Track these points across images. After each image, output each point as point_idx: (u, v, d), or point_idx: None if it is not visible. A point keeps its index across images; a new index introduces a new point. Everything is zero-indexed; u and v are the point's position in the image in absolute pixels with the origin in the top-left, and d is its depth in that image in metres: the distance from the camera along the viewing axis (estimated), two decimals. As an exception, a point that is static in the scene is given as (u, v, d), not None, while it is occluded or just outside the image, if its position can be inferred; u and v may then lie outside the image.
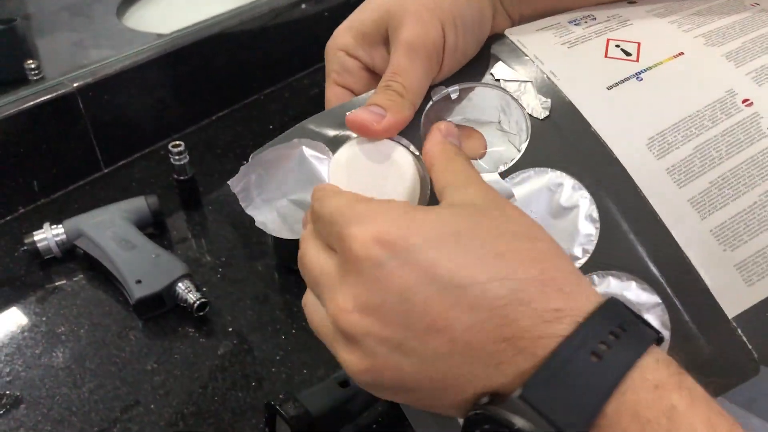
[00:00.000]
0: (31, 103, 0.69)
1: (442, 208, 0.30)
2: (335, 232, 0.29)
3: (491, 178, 0.36)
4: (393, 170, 0.36)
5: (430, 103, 0.39)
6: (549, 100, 0.37)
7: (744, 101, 0.35)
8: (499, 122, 0.39)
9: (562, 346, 0.25)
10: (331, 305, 0.28)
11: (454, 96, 0.39)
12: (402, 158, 0.36)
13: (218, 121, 0.85)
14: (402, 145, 0.37)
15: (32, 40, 0.89)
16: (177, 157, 0.68)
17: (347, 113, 0.36)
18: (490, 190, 0.32)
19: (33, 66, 0.78)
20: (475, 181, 0.32)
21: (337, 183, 0.36)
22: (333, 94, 0.40)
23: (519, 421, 0.24)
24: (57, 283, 0.63)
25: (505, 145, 0.38)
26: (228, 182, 0.38)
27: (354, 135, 0.37)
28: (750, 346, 0.34)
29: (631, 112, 0.36)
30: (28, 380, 0.54)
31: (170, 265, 0.60)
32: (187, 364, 0.55)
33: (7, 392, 0.53)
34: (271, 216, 0.39)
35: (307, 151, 0.38)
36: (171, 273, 0.59)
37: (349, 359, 0.28)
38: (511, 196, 0.36)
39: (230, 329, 0.58)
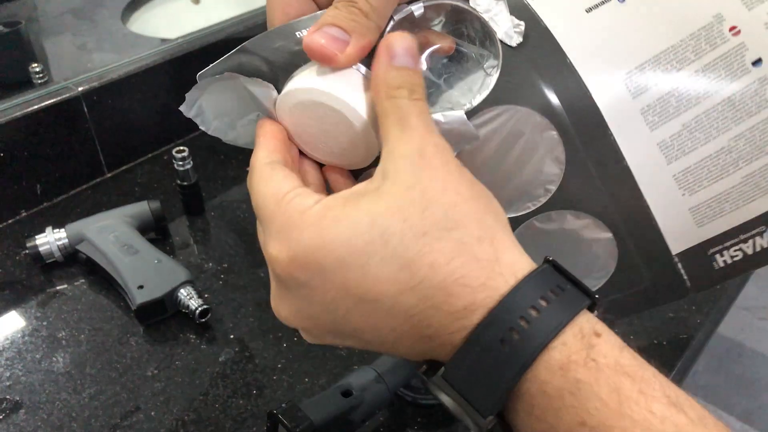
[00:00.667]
0: (36, 106, 0.69)
1: (356, 210, 0.28)
2: (261, 241, 0.31)
3: (457, 117, 0.34)
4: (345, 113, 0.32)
5: (392, 23, 0.34)
6: (523, 23, 0.34)
7: (731, 29, 0.33)
8: (469, 46, 0.36)
9: (473, 334, 0.28)
10: (276, 310, 0.32)
11: (418, 14, 0.35)
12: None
13: (222, 127, 0.85)
14: (361, 74, 0.33)
15: (37, 43, 0.89)
16: (181, 163, 0.68)
17: (299, 33, 0.32)
18: (416, 160, 0.29)
19: (38, 69, 0.78)
20: (404, 143, 0.29)
21: (283, 123, 0.34)
22: None
23: (444, 398, 0.28)
24: (58, 288, 0.63)
25: (476, 72, 0.36)
26: (180, 108, 0.36)
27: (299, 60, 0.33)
28: (685, 278, 0.37)
29: (611, 41, 0.34)
30: (28, 385, 0.54)
31: (172, 270, 0.60)
32: (188, 370, 0.55)
33: (7, 397, 0.53)
34: (234, 133, 0.37)
35: (248, 85, 0.34)
36: (173, 279, 0.59)
37: (304, 336, 0.33)
38: (476, 138, 0.34)
39: (232, 336, 0.58)
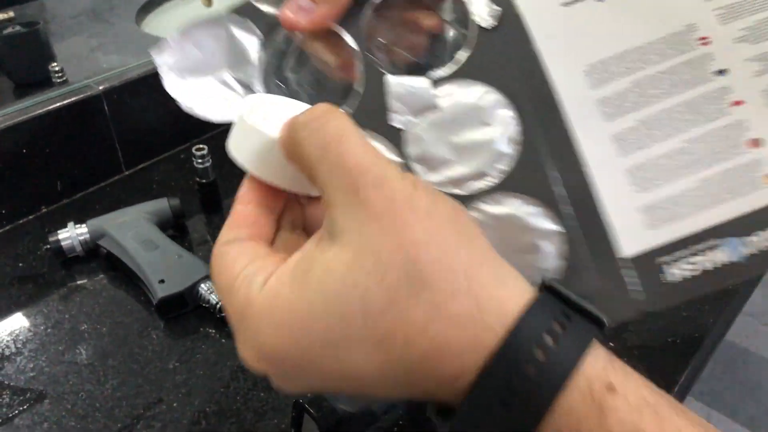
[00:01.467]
0: (58, 104, 0.70)
1: (307, 290, 0.26)
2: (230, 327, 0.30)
3: (421, 84, 0.35)
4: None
5: None
6: (500, 9, 0.35)
7: (701, 39, 0.34)
8: (451, 25, 0.37)
9: (470, 397, 0.25)
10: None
11: None
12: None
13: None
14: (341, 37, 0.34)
15: (53, 43, 0.91)
16: (200, 161, 0.69)
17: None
18: (358, 211, 0.26)
19: (57, 69, 0.79)
20: (338, 189, 0.26)
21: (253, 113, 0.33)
22: None
23: None
24: (79, 282, 0.64)
25: (450, 51, 0.37)
26: (149, 50, 0.35)
27: None
28: (641, 288, 0.34)
29: (581, 35, 0.35)
30: (51, 376, 0.55)
31: (193, 265, 0.61)
32: (209, 363, 0.56)
33: (32, 387, 0.54)
34: (197, 99, 0.37)
35: (235, 30, 0.36)
36: (194, 274, 0.60)
37: None
38: (434, 106, 0.35)
39: (251, 331, 0.59)
